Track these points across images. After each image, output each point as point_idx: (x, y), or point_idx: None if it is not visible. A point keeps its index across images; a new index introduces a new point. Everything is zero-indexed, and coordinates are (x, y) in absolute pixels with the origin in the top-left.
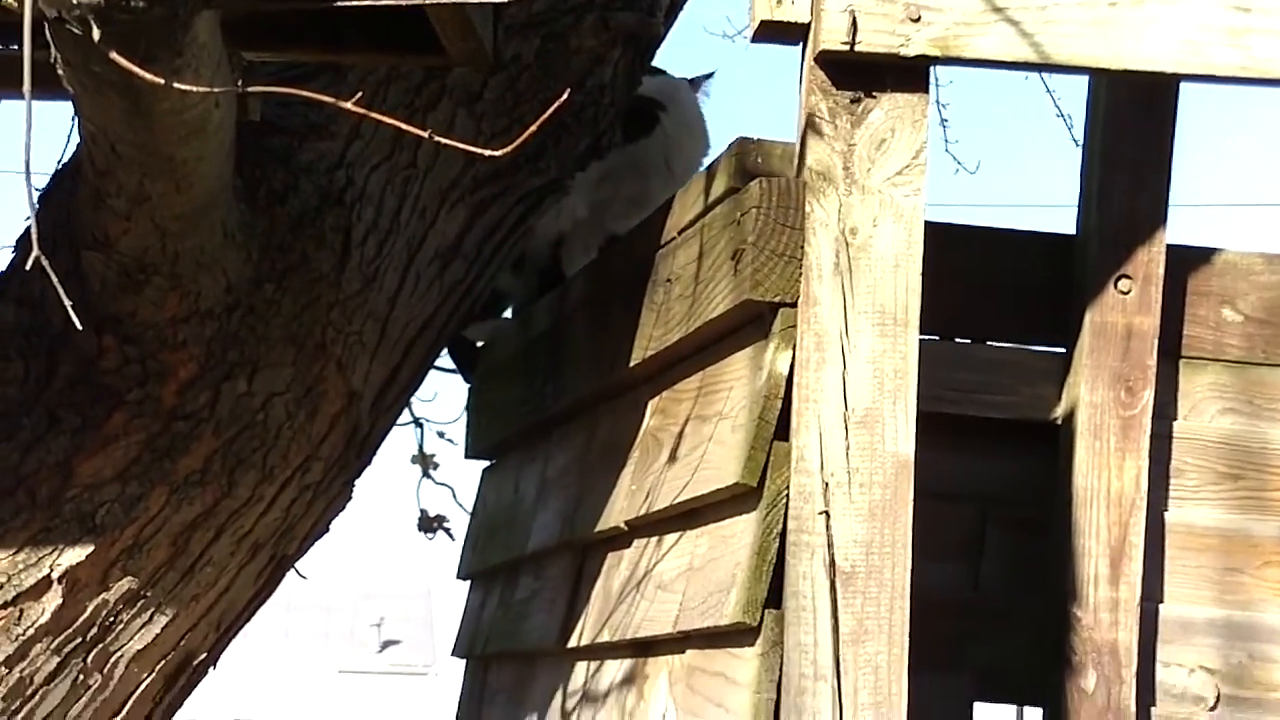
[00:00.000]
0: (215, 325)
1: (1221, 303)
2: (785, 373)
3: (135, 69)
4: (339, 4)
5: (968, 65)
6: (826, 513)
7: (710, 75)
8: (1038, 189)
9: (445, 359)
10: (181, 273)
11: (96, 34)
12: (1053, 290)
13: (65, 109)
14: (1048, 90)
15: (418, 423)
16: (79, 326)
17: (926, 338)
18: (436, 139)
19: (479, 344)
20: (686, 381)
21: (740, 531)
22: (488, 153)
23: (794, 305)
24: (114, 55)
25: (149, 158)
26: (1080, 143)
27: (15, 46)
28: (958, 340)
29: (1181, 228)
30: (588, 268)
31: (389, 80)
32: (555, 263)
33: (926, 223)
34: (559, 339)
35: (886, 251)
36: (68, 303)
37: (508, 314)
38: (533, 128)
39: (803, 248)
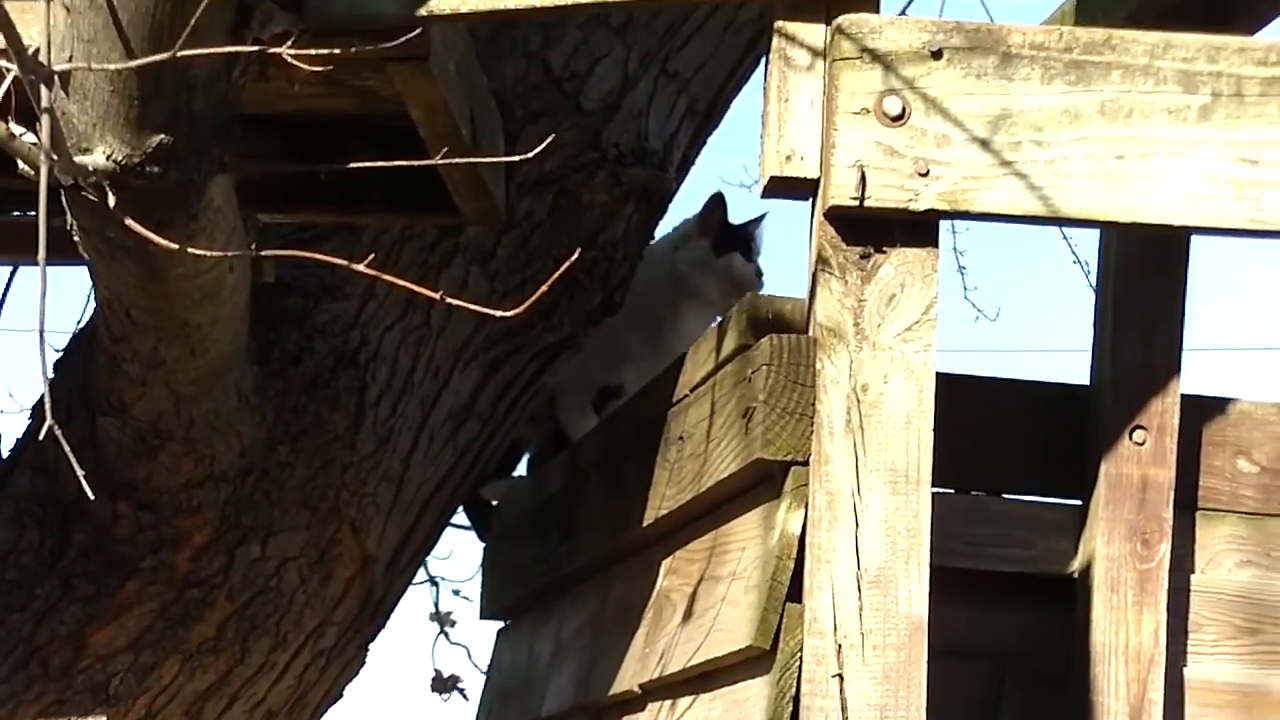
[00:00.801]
0: (229, 489)
1: (1237, 453)
2: (797, 532)
3: (150, 235)
4: (352, 166)
5: (977, 219)
6: (840, 675)
7: (763, 217)
8: (1059, 333)
9: (461, 516)
10: (196, 437)
11: (112, 201)
12: (1067, 441)
13: (81, 274)
14: (1064, 236)
15: (433, 581)
16: (92, 497)
17: (940, 490)
18: (448, 301)
19: (494, 502)
20: (699, 541)
21: (754, 695)
22: (499, 313)
23: (806, 464)
24: (129, 222)
25: (164, 323)
26: (1094, 289)
27: (32, 213)
28: (972, 493)
29: (1193, 371)
30: (601, 425)
31: (403, 239)
32: (553, 419)
33: (939, 374)
34: (573, 498)
35: (898, 409)
36: (80, 474)
37: (523, 469)
38: (543, 289)
39: (814, 405)
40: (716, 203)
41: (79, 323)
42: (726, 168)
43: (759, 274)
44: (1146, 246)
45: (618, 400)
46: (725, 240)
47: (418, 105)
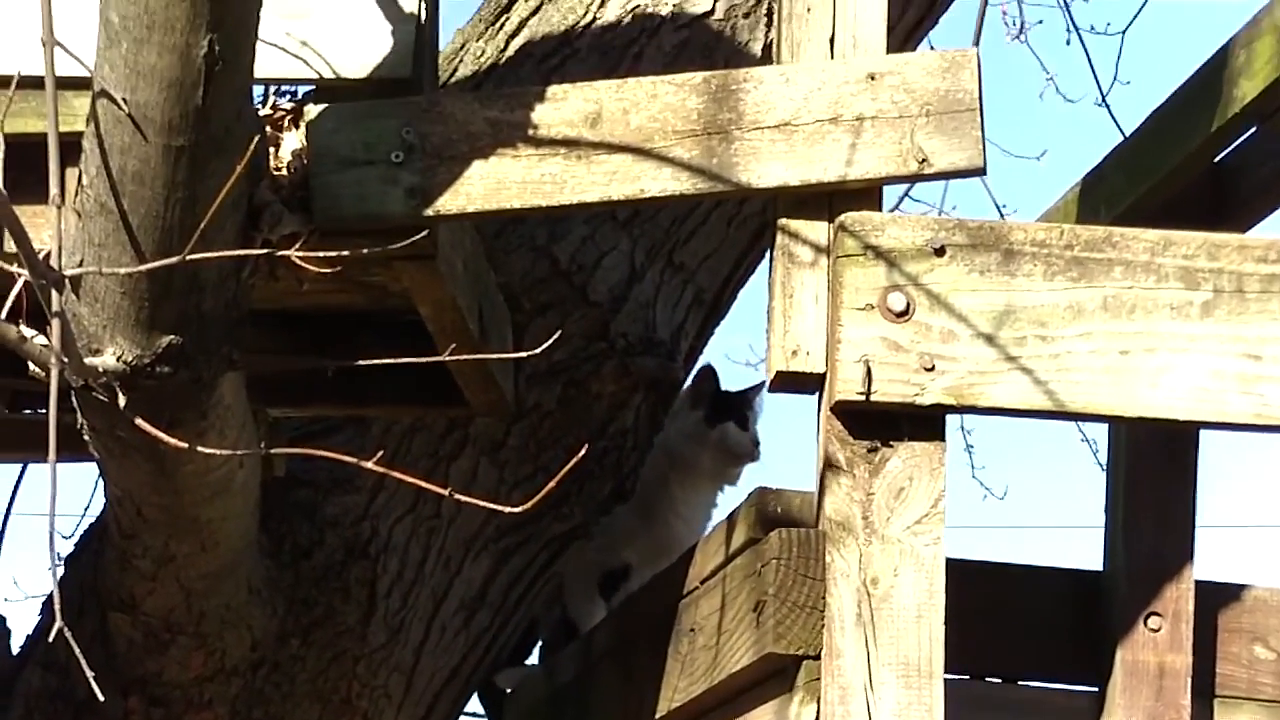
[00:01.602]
0: (241, 683)
1: (1253, 640)
2: None
3: (160, 435)
4: (362, 362)
5: (984, 414)
6: None
7: (761, 385)
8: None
9: (475, 704)
10: (207, 631)
11: (122, 401)
12: (1082, 628)
13: (91, 469)
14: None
15: None
16: (102, 699)
17: (955, 677)
18: (457, 496)
19: (508, 690)
20: None
21: None
22: (509, 509)
23: (817, 658)
24: (139, 421)
25: (175, 519)
26: (1105, 468)
27: (42, 411)
28: (987, 680)
29: (1201, 548)
30: (612, 615)
31: (413, 430)
32: (563, 605)
33: (950, 561)
34: (586, 688)
35: (908, 602)
36: (90, 675)
37: (535, 658)
38: (552, 483)
39: (824, 599)
40: (706, 374)
41: (85, 509)
42: (732, 346)
43: (755, 443)
44: (1155, 434)
45: (625, 583)
46: (719, 410)
47: (425, 302)
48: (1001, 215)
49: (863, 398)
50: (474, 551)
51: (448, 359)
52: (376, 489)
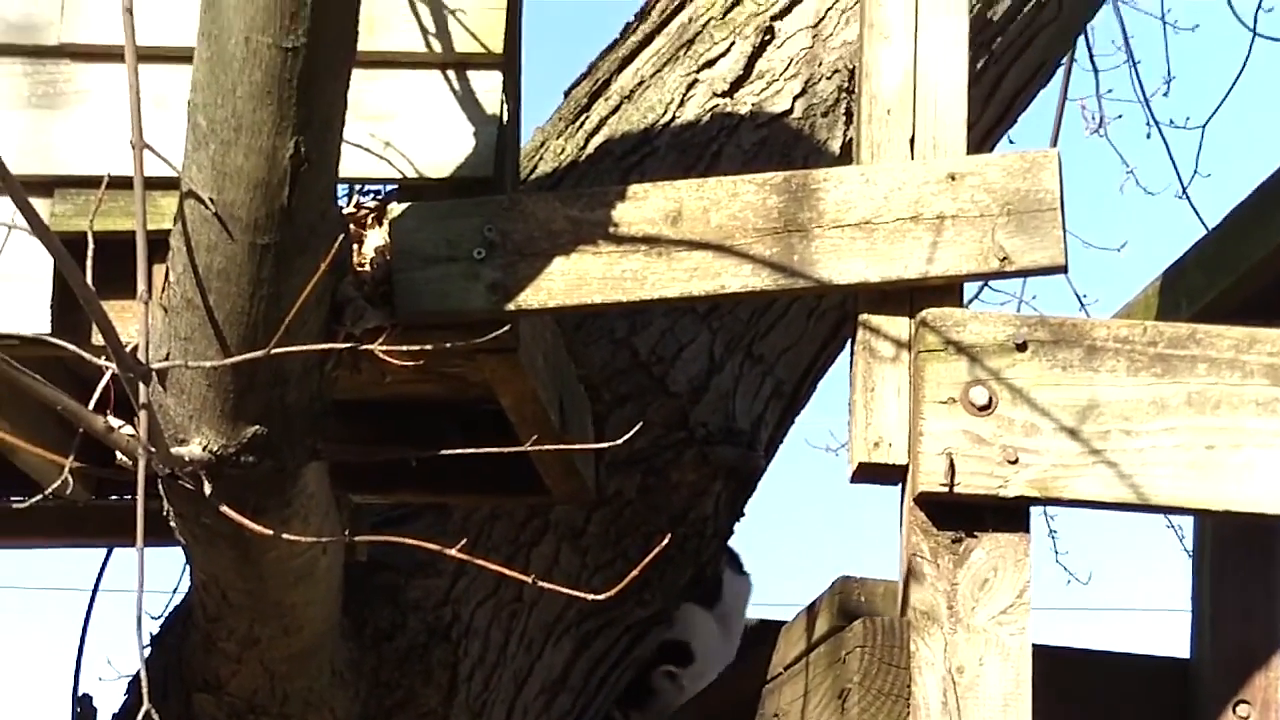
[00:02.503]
0: None
1: None
2: None
3: (245, 522)
4: (444, 453)
5: (1068, 506)
6: None
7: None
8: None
9: None
10: (290, 713)
11: (208, 489)
12: (1171, 715)
13: (176, 554)
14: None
15: None
16: None
17: None
18: (539, 584)
19: None
20: None
21: None
22: (591, 596)
23: None
24: (224, 509)
25: (258, 603)
26: (1190, 554)
27: (129, 498)
28: None
29: None
30: (694, 700)
31: (494, 516)
32: None
33: (1038, 648)
34: None
35: (995, 690)
36: None
37: None
38: (634, 573)
39: (909, 688)
40: None
41: (174, 589)
42: (812, 431)
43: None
44: (1241, 525)
45: (683, 665)
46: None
47: (507, 394)
48: (1082, 306)
49: (946, 489)
50: (555, 636)
51: (529, 449)
52: (458, 574)
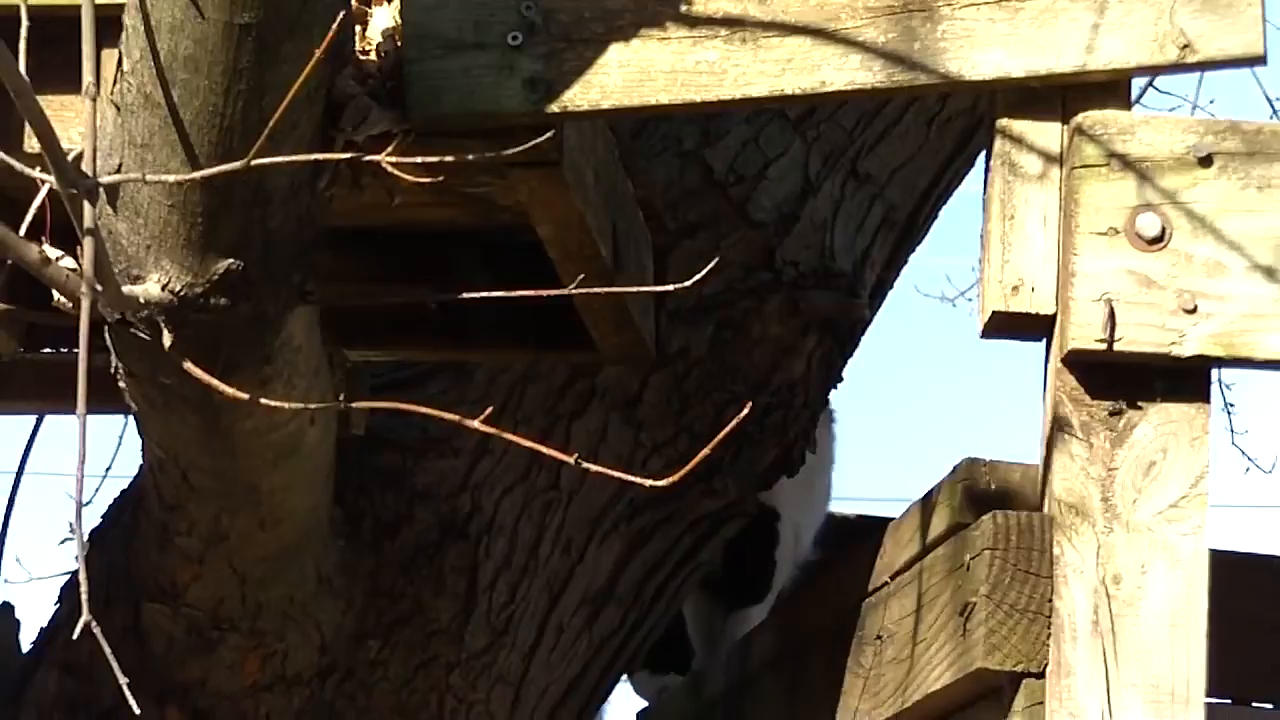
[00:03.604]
0: (305, 694)
1: None
2: None
3: (214, 382)
4: (466, 296)
5: (1259, 368)
6: None
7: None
8: None
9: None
10: (265, 628)
11: (168, 340)
12: None
13: (119, 424)
14: None
15: None
16: (137, 710)
17: (1217, 701)
18: (584, 464)
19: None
20: None
21: None
22: (649, 482)
23: (1041, 675)
24: (188, 365)
25: (228, 488)
26: None
27: (68, 351)
28: (1254, 705)
29: None
30: (777, 614)
31: (526, 379)
32: None
33: (1214, 553)
34: (740, 709)
35: (1161, 607)
36: (123, 680)
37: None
38: (702, 453)
39: (1051, 602)
40: None
41: (106, 470)
42: (925, 276)
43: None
44: None
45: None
46: None
47: (547, 220)
48: (1276, 113)
49: (1104, 346)
50: (601, 533)
51: (573, 292)
52: (479, 453)
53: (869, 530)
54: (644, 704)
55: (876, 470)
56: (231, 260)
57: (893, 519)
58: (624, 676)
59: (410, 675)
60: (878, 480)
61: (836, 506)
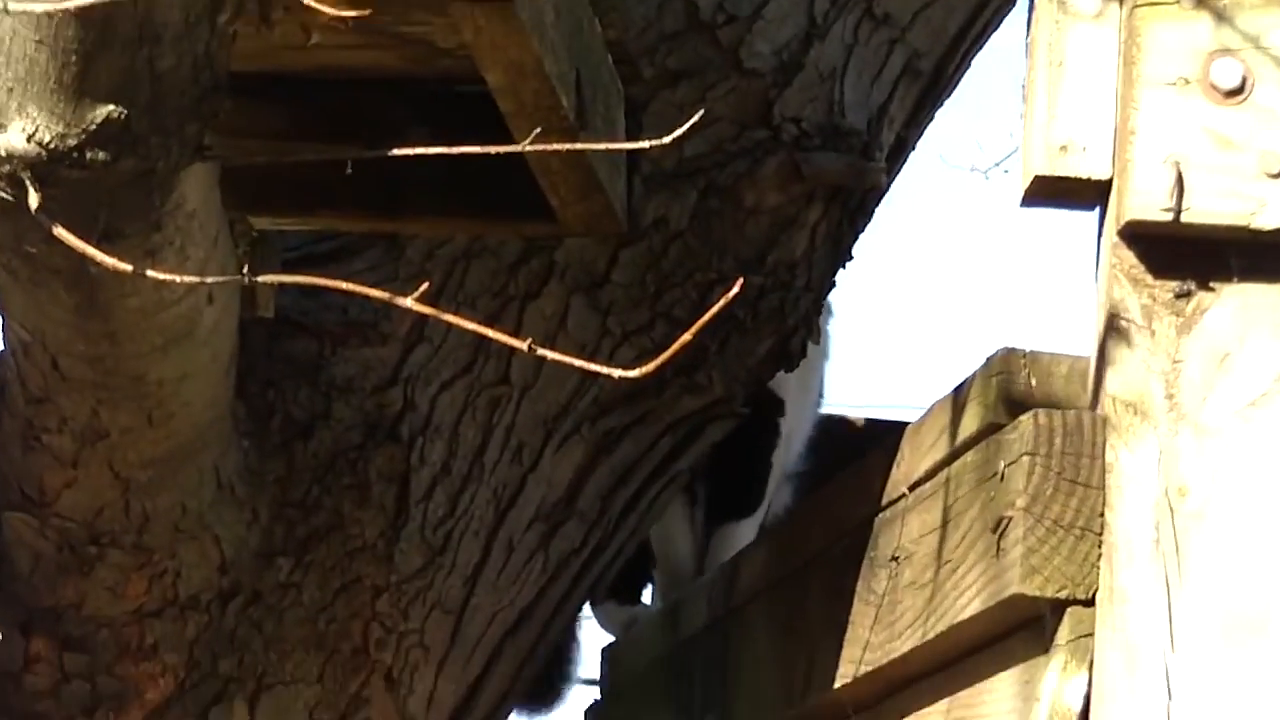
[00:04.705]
0: (202, 621)
1: None
2: (1077, 708)
3: (91, 251)
4: (398, 153)
5: None
6: None
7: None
8: None
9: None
10: (152, 544)
11: (34, 200)
12: None
13: None
14: None
15: None
16: None
17: None
18: (539, 351)
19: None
20: (924, 714)
21: None
22: (618, 373)
23: (1090, 603)
24: (59, 231)
25: (108, 378)
26: None
27: None
28: None
29: None
30: (769, 535)
31: (470, 254)
32: None
33: None
34: (724, 643)
35: (1233, 522)
36: None
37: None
38: (683, 338)
39: (1102, 516)
40: None
41: None
42: (948, 143)
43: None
44: None
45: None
46: None
47: (497, 65)
48: None
49: (1170, 217)
50: (560, 436)
51: (528, 148)
52: (414, 340)
53: (881, 436)
54: (609, 639)
55: (890, 371)
56: (112, 107)
57: (909, 424)
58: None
59: (328, 600)
60: (891, 383)
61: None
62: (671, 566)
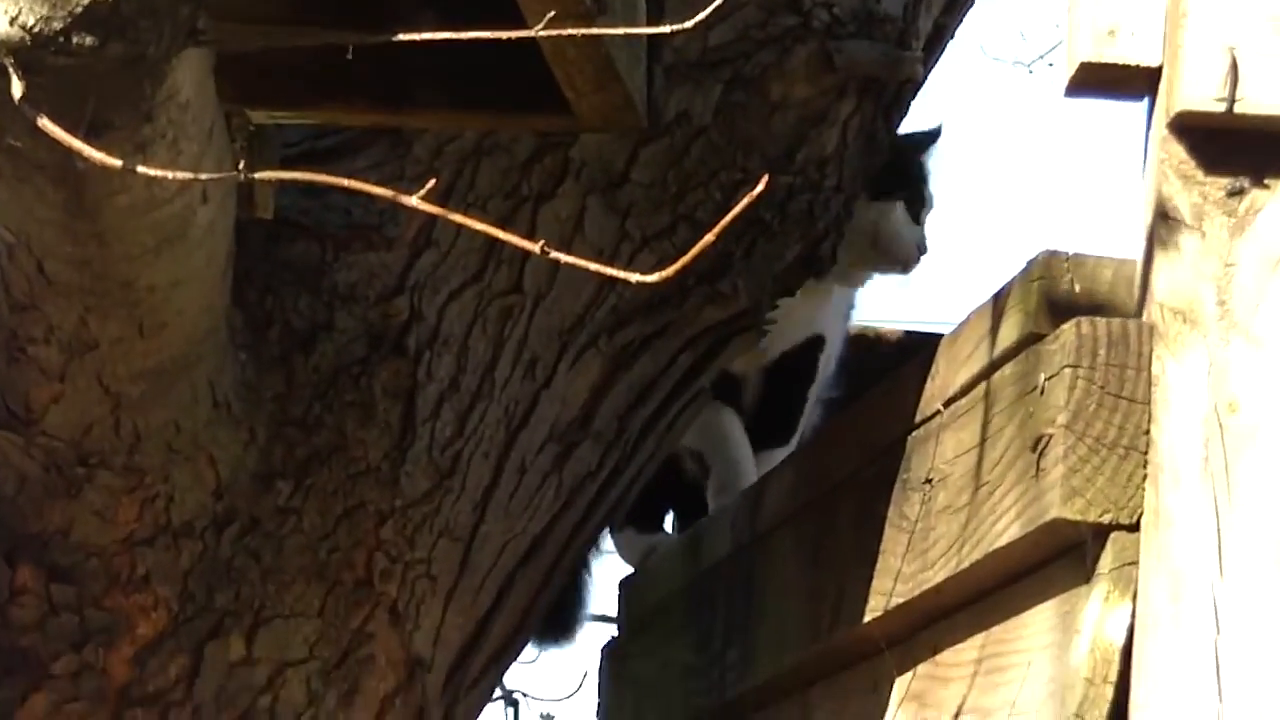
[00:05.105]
0: (197, 549)
1: None
2: (1120, 641)
3: (78, 144)
4: (403, 37)
5: None
6: None
7: (937, 134)
8: None
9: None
10: (144, 465)
11: (18, 89)
12: None
13: None
14: None
15: (510, 700)
16: None
17: None
18: (553, 254)
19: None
20: (958, 649)
21: None
22: (636, 277)
23: (1134, 529)
24: (44, 122)
25: (96, 282)
26: None
27: None
28: None
29: None
30: (795, 458)
31: (480, 151)
32: None
33: None
34: (748, 574)
35: None
36: None
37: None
38: (709, 235)
39: (1148, 434)
40: None
41: None
42: (991, 36)
43: (922, 248)
44: None
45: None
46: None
47: None
48: None
49: (1223, 107)
50: (575, 349)
51: (541, 34)
52: (420, 245)
53: (915, 349)
54: (625, 571)
55: (928, 281)
56: None
57: (943, 337)
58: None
59: (330, 528)
60: (930, 294)
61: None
62: (733, 468)
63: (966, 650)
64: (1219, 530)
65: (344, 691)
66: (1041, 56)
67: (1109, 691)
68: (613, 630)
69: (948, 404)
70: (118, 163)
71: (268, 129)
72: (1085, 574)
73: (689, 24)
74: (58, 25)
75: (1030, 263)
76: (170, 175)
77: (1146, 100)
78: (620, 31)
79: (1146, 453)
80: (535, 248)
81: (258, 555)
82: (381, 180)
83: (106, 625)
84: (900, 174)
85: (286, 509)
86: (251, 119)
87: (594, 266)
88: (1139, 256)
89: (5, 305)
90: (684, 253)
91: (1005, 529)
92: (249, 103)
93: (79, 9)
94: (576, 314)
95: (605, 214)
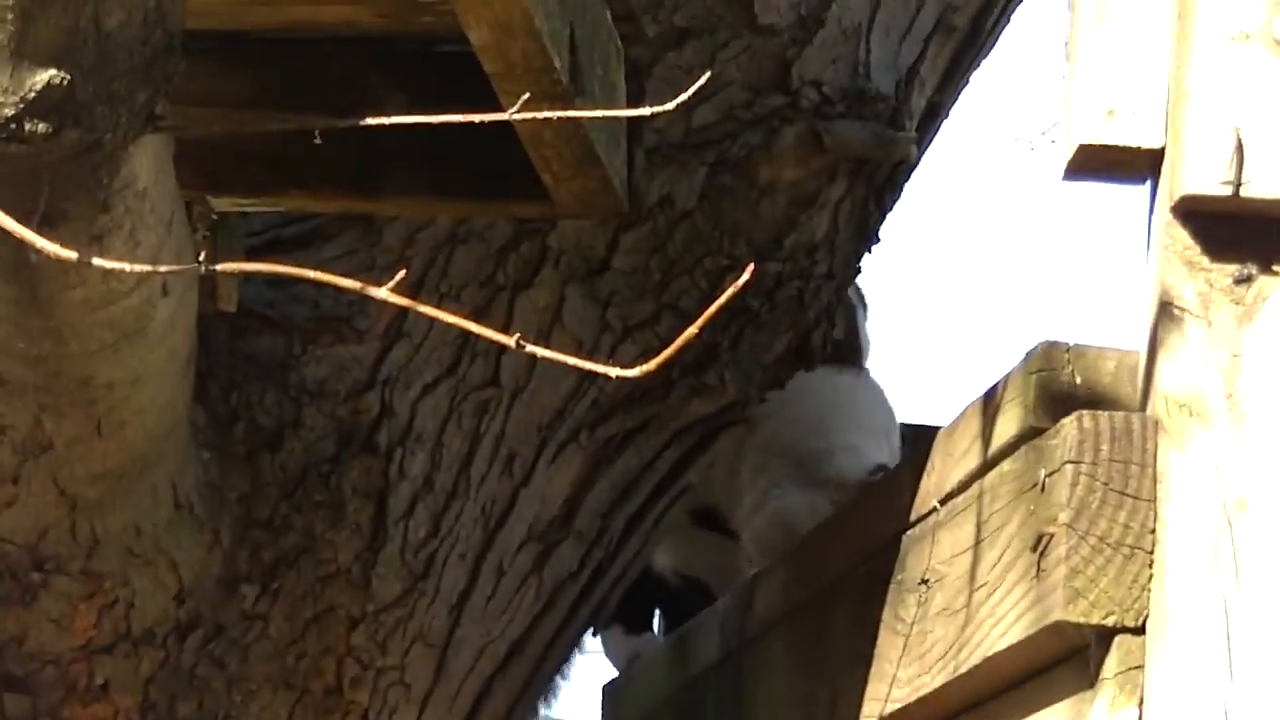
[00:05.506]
0: (158, 657)
1: None
2: None
3: (31, 236)
4: (372, 122)
5: None
6: None
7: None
8: None
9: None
10: (103, 570)
11: None
12: None
13: None
14: None
15: None
16: None
17: None
18: (529, 348)
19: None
20: None
21: None
22: (617, 372)
23: (1140, 631)
24: None
25: (53, 381)
26: None
27: None
28: None
29: None
30: (790, 558)
31: (455, 239)
32: None
33: None
34: (740, 677)
35: None
36: None
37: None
38: (694, 326)
39: (1154, 533)
40: None
41: None
42: (989, 109)
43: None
44: None
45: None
46: None
47: (482, 22)
48: None
49: (1229, 191)
50: (554, 445)
51: (517, 117)
52: (392, 337)
53: (912, 441)
54: (612, 672)
55: (920, 369)
56: (54, 72)
57: (942, 428)
58: (590, 636)
59: (298, 634)
60: (921, 383)
61: None
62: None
63: None
64: (1229, 633)
65: None
66: (1042, 134)
67: None
68: None
69: (944, 501)
70: (73, 255)
71: (231, 217)
72: (1089, 679)
73: (670, 105)
74: (9, 111)
75: (1029, 353)
76: (128, 267)
77: (1149, 183)
78: (599, 114)
79: (1152, 552)
80: (510, 341)
81: (222, 663)
82: (351, 270)
83: None
84: None
85: (252, 614)
86: (214, 206)
87: (573, 361)
88: (1142, 347)
89: None
90: (668, 343)
91: (1005, 632)
92: (211, 189)
93: (32, 94)
94: (556, 408)
95: (585, 303)
